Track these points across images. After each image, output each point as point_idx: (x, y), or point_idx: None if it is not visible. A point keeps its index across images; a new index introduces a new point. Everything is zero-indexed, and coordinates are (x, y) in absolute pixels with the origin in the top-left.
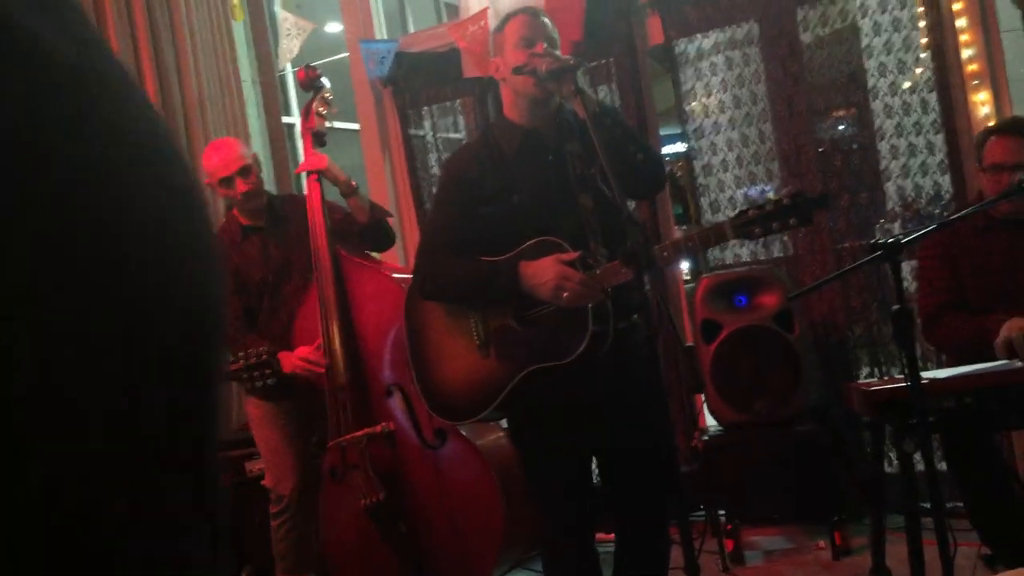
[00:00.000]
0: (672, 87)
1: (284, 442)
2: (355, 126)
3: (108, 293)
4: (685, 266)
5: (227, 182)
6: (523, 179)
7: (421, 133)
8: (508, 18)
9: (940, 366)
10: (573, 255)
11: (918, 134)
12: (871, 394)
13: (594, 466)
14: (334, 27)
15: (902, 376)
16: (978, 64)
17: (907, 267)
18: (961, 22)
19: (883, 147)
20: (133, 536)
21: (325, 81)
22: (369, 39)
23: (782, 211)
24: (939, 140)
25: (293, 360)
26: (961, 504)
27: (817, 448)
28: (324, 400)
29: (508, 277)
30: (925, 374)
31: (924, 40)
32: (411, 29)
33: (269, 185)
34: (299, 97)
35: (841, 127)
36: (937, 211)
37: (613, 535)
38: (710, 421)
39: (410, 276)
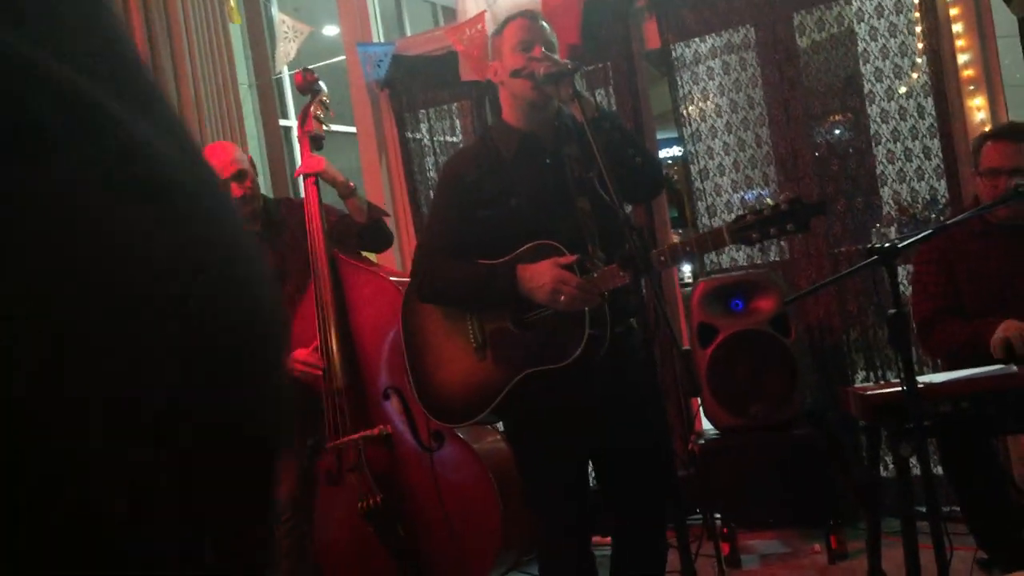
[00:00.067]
0: (669, 91)
1: None
2: (352, 129)
3: (114, 293)
4: (687, 268)
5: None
6: (521, 182)
7: (418, 136)
8: (506, 21)
9: (936, 370)
10: (571, 259)
11: (914, 139)
12: (867, 398)
13: (591, 469)
14: (331, 30)
15: (898, 380)
16: (974, 69)
17: (903, 271)
18: (957, 27)
19: (879, 152)
20: (133, 536)
21: (322, 85)
22: (366, 42)
23: (780, 217)
24: (935, 145)
25: (290, 362)
26: (957, 508)
27: (813, 452)
28: (321, 402)
29: (505, 280)
30: (921, 378)
31: (920, 45)
32: (408, 32)
33: (265, 188)
34: (296, 100)
35: (837, 132)
36: (933, 216)
37: (610, 539)
38: (706, 425)
39: (407, 279)
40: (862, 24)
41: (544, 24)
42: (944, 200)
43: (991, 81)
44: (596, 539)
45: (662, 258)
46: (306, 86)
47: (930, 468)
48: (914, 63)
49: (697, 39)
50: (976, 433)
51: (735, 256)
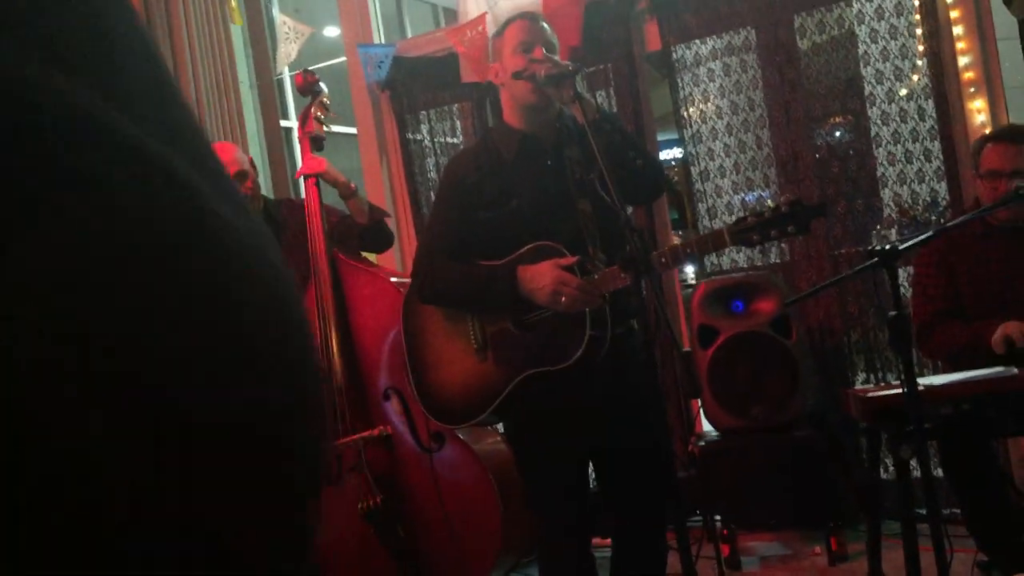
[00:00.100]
0: (670, 93)
1: None
2: (353, 130)
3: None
4: (690, 269)
5: None
6: (522, 184)
7: (419, 137)
8: (507, 23)
9: (937, 372)
10: (571, 260)
11: (915, 141)
12: (868, 400)
13: (591, 470)
14: (332, 31)
15: (899, 382)
16: (974, 72)
17: (904, 273)
18: (958, 30)
19: (880, 154)
20: (133, 536)
21: (322, 86)
22: (367, 43)
23: (780, 219)
24: (936, 147)
25: None
26: (958, 510)
27: (814, 454)
28: None
29: (506, 281)
30: (922, 380)
31: (921, 48)
32: (409, 34)
33: (266, 189)
34: (297, 101)
35: (838, 134)
36: (934, 218)
37: (609, 540)
38: (707, 427)
39: (407, 280)
40: (863, 26)
41: (545, 25)
42: (944, 202)
43: (992, 83)
44: (596, 540)
45: (663, 260)
46: (307, 87)
47: (930, 470)
48: (915, 65)
49: (698, 41)
50: (976, 435)
51: (735, 258)
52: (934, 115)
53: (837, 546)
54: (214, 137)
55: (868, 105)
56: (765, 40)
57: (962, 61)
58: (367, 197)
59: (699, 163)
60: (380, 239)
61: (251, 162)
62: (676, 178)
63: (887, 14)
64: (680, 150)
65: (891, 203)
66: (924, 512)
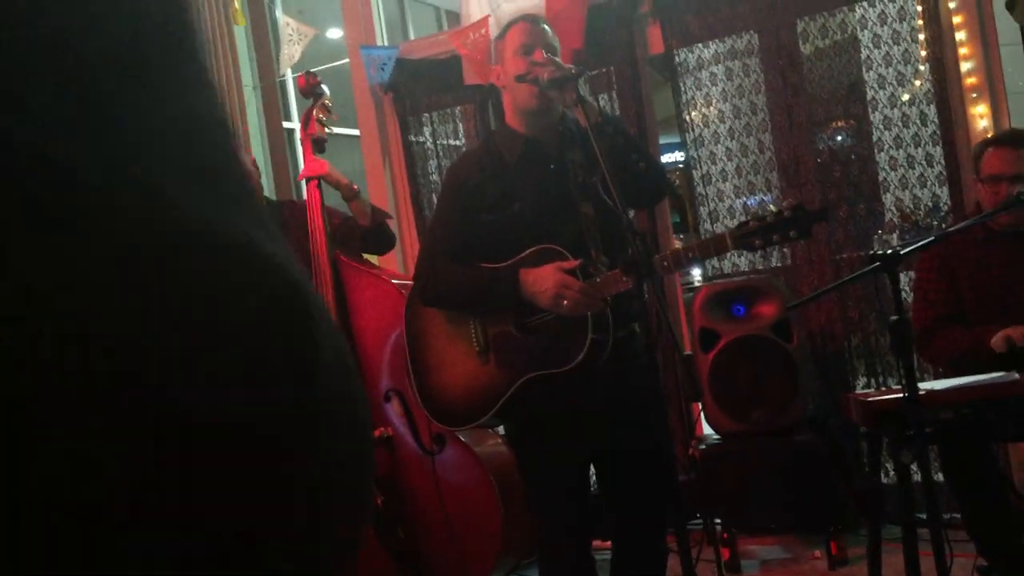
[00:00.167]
0: (672, 96)
1: None
2: (355, 132)
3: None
4: (697, 272)
5: None
6: (524, 187)
7: (421, 140)
8: (508, 26)
9: (937, 377)
10: (574, 263)
11: (917, 146)
12: (868, 404)
13: (592, 472)
14: (335, 33)
15: (899, 387)
16: (977, 77)
17: (905, 278)
18: (960, 35)
19: (882, 159)
20: (133, 536)
21: (324, 88)
22: (370, 45)
23: (783, 223)
24: (938, 152)
25: None
26: (958, 515)
27: (814, 458)
28: None
29: (508, 284)
30: (922, 385)
31: (923, 53)
32: (412, 36)
33: (268, 190)
34: (299, 103)
35: (840, 138)
36: (935, 223)
37: (609, 543)
38: (707, 430)
39: (409, 282)
40: (865, 31)
41: (546, 28)
42: (946, 207)
43: (994, 89)
44: (596, 543)
45: (665, 263)
46: (309, 89)
47: (931, 475)
48: (917, 70)
49: (700, 45)
50: (977, 440)
51: (737, 261)
52: (936, 120)
53: (837, 550)
54: None
55: (870, 110)
56: (768, 44)
57: (964, 66)
58: (369, 199)
59: (701, 167)
60: (382, 241)
61: (254, 163)
62: (678, 182)
63: (890, 19)
64: (682, 154)
65: (893, 208)
66: (924, 516)
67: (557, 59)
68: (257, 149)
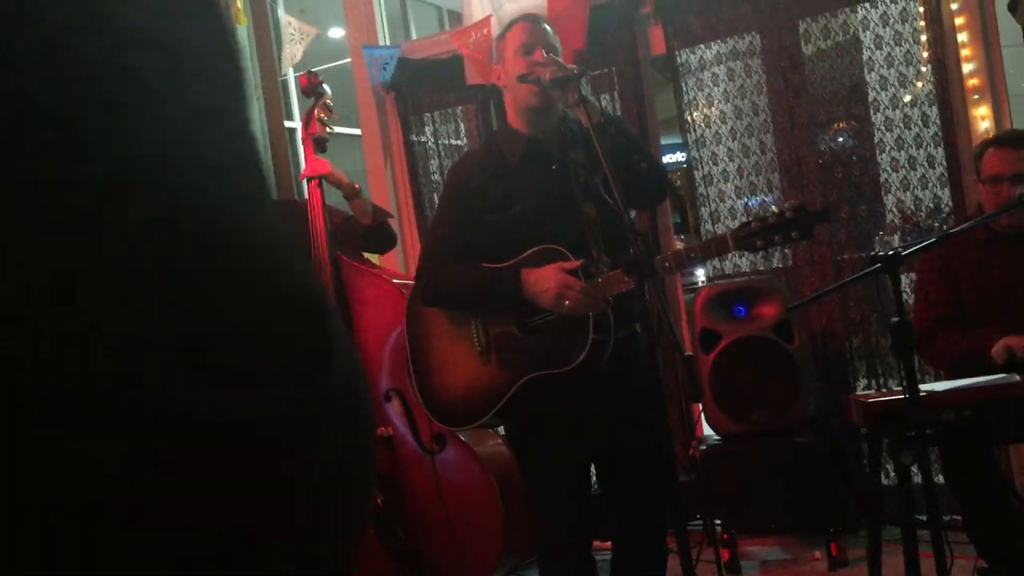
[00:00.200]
0: (674, 97)
1: None
2: (357, 131)
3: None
4: (701, 272)
5: None
6: (526, 187)
7: (423, 139)
8: (509, 25)
9: (938, 379)
10: (575, 263)
11: (918, 147)
12: (869, 406)
13: (592, 472)
14: (337, 32)
15: (900, 388)
16: (979, 78)
17: (906, 280)
18: (962, 36)
19: (883, 160)
20: (133, 536)
21: (326, 87)
22: (372, 45)
23: (784, 224)
24: (939, 154)
25: None
26: (958, 517)
27: (815, 459)
28: None
29: (510, 284)
30: (923, 386)
31: (925, 54)
32: (414, 35)
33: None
34: (301, 102)
35: (842, 139)
36: (936, 224)
37: (609, 543)
38: (708, 431)
39: (410, 281)
40: (867, 32)
41: (547, 27)
42: (948, 209)
43: (996, 90)
44: (596, 543)
45: (667, 264)
46: (310, 89)
47: (931, 476)
48: (919, 72)
49: (702, 45)
50: (978, 442)
51: (738, 262)
52: (938, 121)
53: (837, 551)
54: None
55: (872, 111)
56: (769, 45)
57: (966, 68)
58: (370, 198)
59: (702, 167)
60: (383, 240)
61: None
62: (679, 182)
63: (892, 20)
64: (683, 154)
65: (894, 209)
66: (925, 518)
67: (558, 59)
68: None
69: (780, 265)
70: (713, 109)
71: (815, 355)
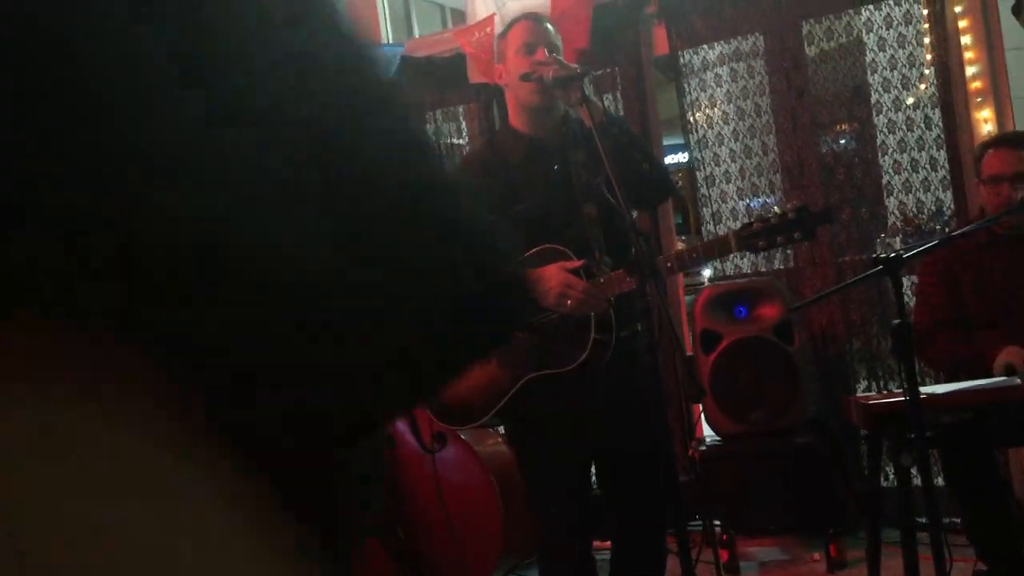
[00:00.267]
0: (676, 97)
1: None
2: None
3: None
4: (706, 272)
5: None
6: (528, 187)
7: None
8: (511, 24)
9: (939, 381)
10: (577, 263)
11: (921, 150)
12: (869, 407)
13: (592, 472)
14: None
15: (901, 390)
16: (982, 81)
17: (908, 282)
18: (966, 39)
19: (886, 162)
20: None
21: None
22: (375, 43)
23: (787, 225)
24: (942, 156)
25: None
26: (958, 519)
27: (814, 460)
28: None
29: None
30: (924, 389)
31: (928, 56)
32: (416, 34)
33: None
34: None
35: (844, 141)
36: (938, 227)
37: (609, 543)
38: (707, 431)
39: None
40: (871, 34)
41: (548, 27)
42: (950, 211)
43: (999, 93)
44: (596, 543)
45: (669, 264)
46: None
47: (931, 478)
48: (922, 74)
49: (705, 46)
50: (978, 444)
51: (739, 263)
52: (940, 124)
53: (836, 553)
54: None
55: (875, 113)
56: (773, 46)
57: (970, 71)
58: None
59: (705, 168)
60: None
61: None
62: (681, 183)
63: (895, 22)
64: (686, 155)
65: (896, 211)
66: (924, 520)
67: (560, 58)
68: None
69: (781, 266)
70: (715, 110)
71: (815, 356)
